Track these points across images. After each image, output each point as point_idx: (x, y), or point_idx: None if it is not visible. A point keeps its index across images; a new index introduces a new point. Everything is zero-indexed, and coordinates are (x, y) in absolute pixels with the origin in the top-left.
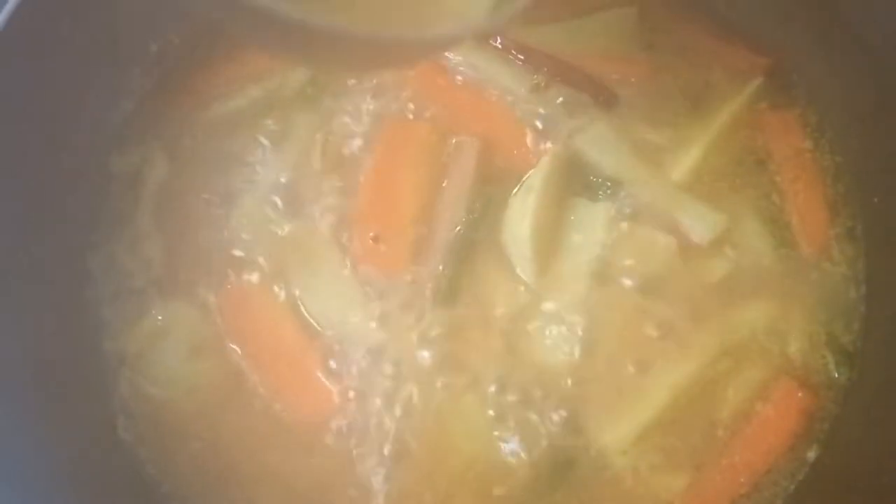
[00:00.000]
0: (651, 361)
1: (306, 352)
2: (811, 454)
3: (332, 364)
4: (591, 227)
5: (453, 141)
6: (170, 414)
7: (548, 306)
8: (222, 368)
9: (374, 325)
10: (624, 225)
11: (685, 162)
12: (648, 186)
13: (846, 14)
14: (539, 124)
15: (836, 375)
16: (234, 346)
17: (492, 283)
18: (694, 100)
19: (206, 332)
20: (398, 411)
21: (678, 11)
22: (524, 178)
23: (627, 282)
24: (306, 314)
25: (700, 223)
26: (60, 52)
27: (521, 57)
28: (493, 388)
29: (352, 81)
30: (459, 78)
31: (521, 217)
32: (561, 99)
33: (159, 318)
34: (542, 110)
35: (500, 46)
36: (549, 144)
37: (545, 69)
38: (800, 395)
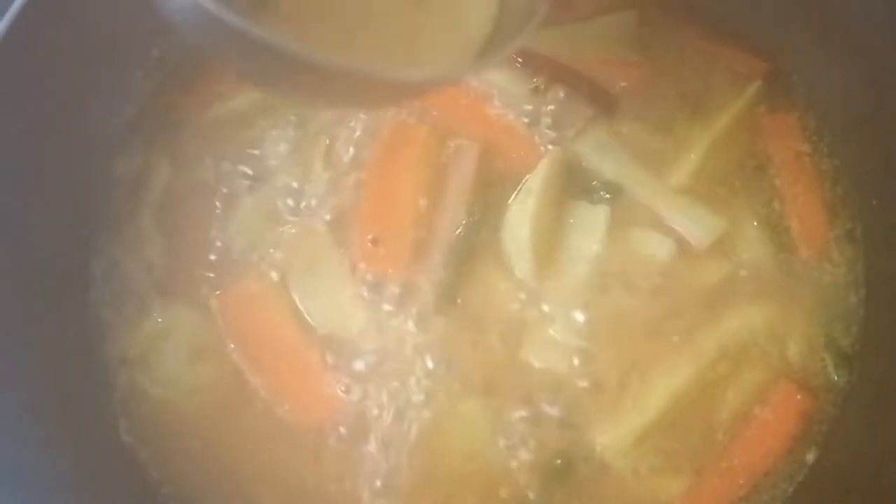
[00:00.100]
0: (650, 364)
1: (307, 354)
2: (810, 457)
3: (333, 366)
4: (591, 230)
5: (453, 144)
6: (171, 415)
7: (547, 309)
8: (223, 370)
9: (373, 327)
10: (623, 228)
11: (684, 165)
12: (647, 190)
13: (845, 18)
14: (538, 127)
15: (835, 378)
16: (235, 348)
17: (491, 286)
18: (693, 103)
19: (207, 335)
20: (398, 414)
21: (677, 15)
22: (524, 182)
23: (626, 285)
24: (306, 316)
25: (699, 226)
26: (62, 56)
27: (521, 60)
28: (493, 391)
29: None
30: None
31: (520, 220)
32: (560, 102)
33: (160, 320)
34: (541, 113)
35: None
36: (548, 148)
37: (545, 72)
38: (799, 397)
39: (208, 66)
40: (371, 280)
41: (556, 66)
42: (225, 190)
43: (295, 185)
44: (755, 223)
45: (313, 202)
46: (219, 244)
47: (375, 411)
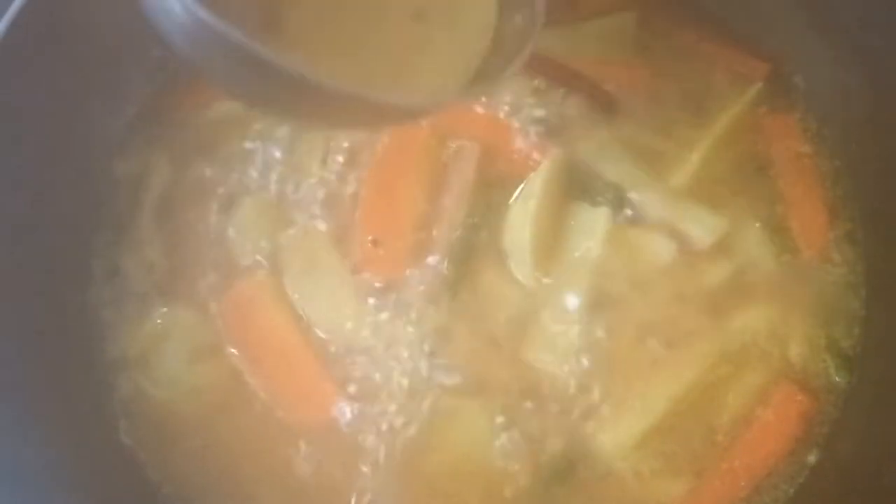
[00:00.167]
0: (651, 366)
1: (306, 355)
2: (811, 458)
3: (332, 367)
4: (591, 231)
5: (453, 145)
6: (170, 416)
7: (548, 311)
8: (223, 372)
9: (373, 328)
10: (624, 230)
11: (685, 166)
12: (648, 191)
13: (845, 20)
14: (539, 129)
15: (836, 379)
16: (235, 350)
17: (492, 287)
18: (694, 104)
19: (207, 336)
20: (398, 414)
21: (678, 16)
22: (524, 183)
23: (627, 287)
24: (306, 318)
25: (700, 227)
26: (63, 56)
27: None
28: (493, 394)
29: None
30: None
31: (521, 221)
32: (561, 103)
33: (160, 320)
34: (542, 115)
35: None
36: (549, 149)
37: (546, 74)
38: (800, 399)
39: None
40: (371, 281)
41: (557, 67)
42: (225, 191)
43: (294, 186)
44: (756, 224)
45: (313, 203)
46: (219, 245)
47: (375, 412)
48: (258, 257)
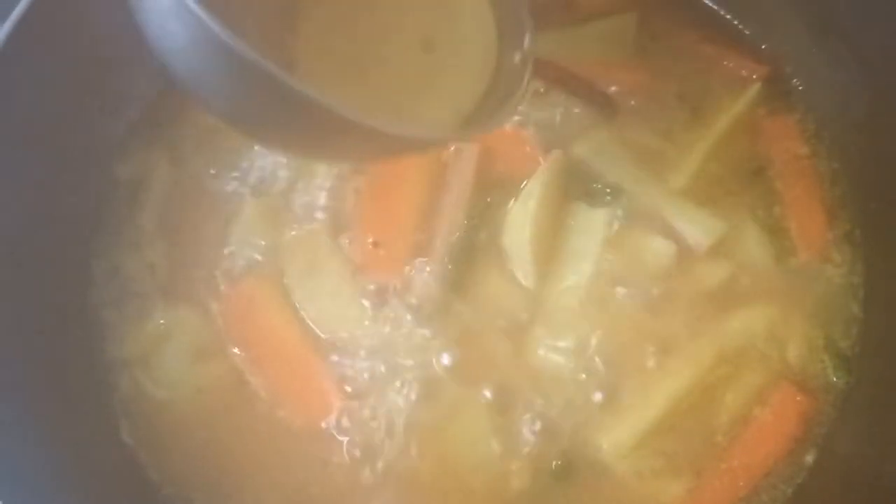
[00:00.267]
0: (650, 366)
1: (307, 356)
2: (809, 458)
3: (333, 368)
4: (591, 232)
5: (453, 146)
6: (172, 417)
7: (548, 312)
8: (225, 372)
9: (373, 330)
10: (623, 230)
11: (684, 168)
12: (648, 192)
13: (844, 23)
14: (539, 130)
15: (835, 380)
16: (237, 351)
17: (492, 289)
18: (693, 106)
19: (208, 336)
20: (398, 415)
21: (677, 18)
22: (524, 184)
23: (626, 287)
24: (307, 318)
25: (699, 229)
26: (65, 59)
27: None
28: (493, 394)
29: None
30: None
31: (521, 222)
32: (561, 105)
33: (161, 321)
34: (541, 116)
35: None
36: (548, 150)
37: (545, 76)
38: (798, 399)
39: None
40: (371, 283)
41: (557, 70)
42: (226, 192)
43: (295, 187)
44: (755, 225)
45: (314, 205)
46: (219, 246)
47: (376, 413)
48: (259, 258)
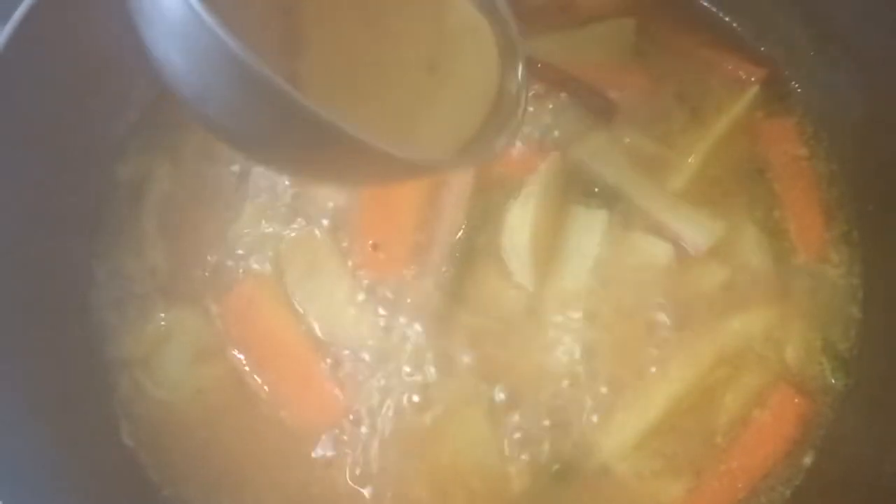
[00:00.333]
0: (650, 368)
1: (308, 357)
2: (808, 460)
3: (334, 370)
4: (590, 234)
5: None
6: (172, 418)
7: (547, 314)
8: (225, 374)
9: (373, 331)
10: (622, 232)
11: (682, 170)
12: (646, 194)
13: (841, 27)
14: (538, 133)
15: (833, 382)
16: (237, 352)
17: (491, 290)
18: (691, 108)
19: (210, 338)
20: (398, 417)
21: (676, 21)
22: (523, 186)
23: (625, 289)
24: (307, 320)
25: (698, 231)
26: (66, 61)
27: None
28: (493, 395)
29: None
30: None
31: (520, 224)
32: (559, 108)
33: (162, 322)
34: (540, 118)
35: None
36: (548, 153)
37: (544, 79)
38: (797, 401)
39: None
40: (371, 284)
41: (556, 73)
42: (226, 194)
43: (296, 189)
44: (753, 227)
45: (314, 206)
46: (220, 247)
47: (376, 414)
48: (259, 260)
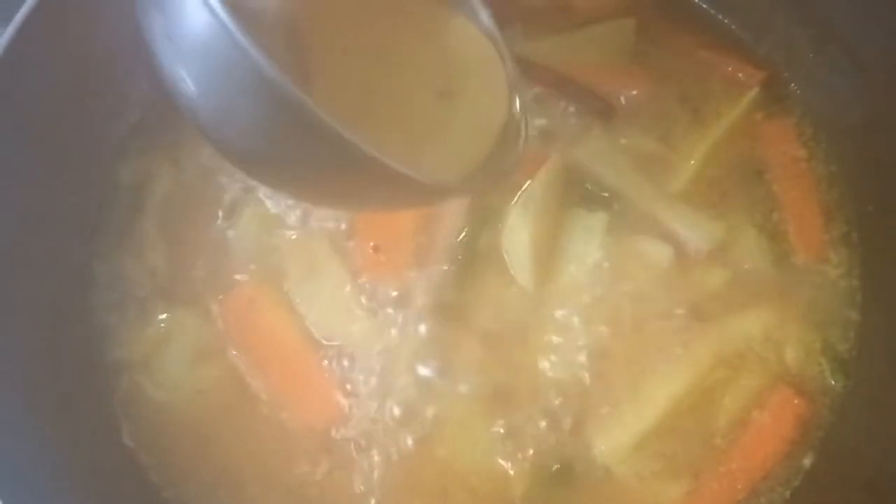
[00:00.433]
0: (650, 369)
1: (307, 358)
2: (807, 461)
3: (334, 371)
4: (590, 236)
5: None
6: (172, 419)
7: (547, 315)
8: (226, 375)
9: (374, 333)
10: (621, 234)
11: (682, 172)
12: (646, 196)
13: (841, 29)
14: (538, 135)
15: (832, 383)
16: (237, 354)
17: (491, 292)
18: (691, 110)
19: (209, 339)
20: (398, 418)
21: (675, 23)
22: (523, 188)
23: (625, 291)
24: (307, 322)
25: (697, 233)
26: (67, 62)
27: (520, 68)
28: (493, 397)
29: None
30: None
31: (520, 227)
32: (559, 110)
33: (163, 324)
34: (540, 121)
35: None
36: (547, 155)
37: (544, 81)
38: (796, 402)
39: None
40: (372, 286)
41: (556, 74)
42: (227, 196)
43: None
44: (753, 228)
45: (315, 210)
46: (220, 249)
47: (375, 415)
48: (260, 261)
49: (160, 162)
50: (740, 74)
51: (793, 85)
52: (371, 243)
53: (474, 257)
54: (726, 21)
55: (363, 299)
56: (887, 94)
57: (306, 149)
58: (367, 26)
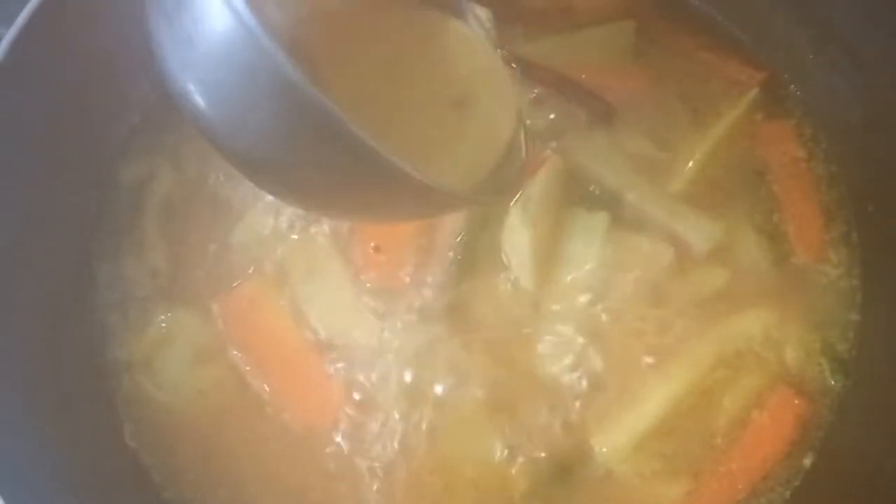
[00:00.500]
0: (649, 370)
1: (309, 359)
2: (807, 461)
3: (335, 372)
4: (589, 236)
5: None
6: (174, 419)
7: (547, 316)
8: (227, 375)
9: (375, 333)
10: (622, 235)
11: (682, 172)
12: (646, 197)
13: (840, 29)
14: (537, 135)
15: (832, 383)
16: (239, 354)
17: (492, 292)
18: (691, 111)
19: (211, 339)
20: (399, 418)
21: (675, 24)
22: (523, 189)
23: (626, 292)
24: (309, 322)
25: (697, 233)
26: (68, 63)
27: (520, 69)
28: (494, 397)
29: None
30: None
31: (520, 227)
32: (560, 111)
33: (164, 325)
34: (540, 122)
35: None
36: (547, 155)
37: (544, 82)
38: (796, 402)
39: None
40: (372, 287)
41: (556, 75)
42: (227, 196)
43: None
44: (753, 229)
45: None
46: (222, 250)
47: (377, 416)
48: (260, 261)
49: (161, 162)
50: (740, 75)
51: (793, 85)
52: (372, 244)
53: (474, 258)
54: (726, 22)
55: (364, 299)
56: (887, 95)
57: (324, 156)
58: (372, 41)
